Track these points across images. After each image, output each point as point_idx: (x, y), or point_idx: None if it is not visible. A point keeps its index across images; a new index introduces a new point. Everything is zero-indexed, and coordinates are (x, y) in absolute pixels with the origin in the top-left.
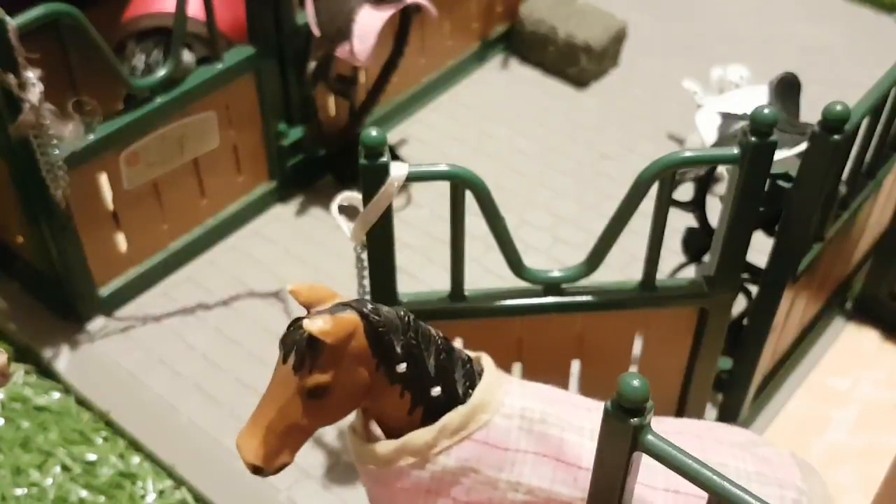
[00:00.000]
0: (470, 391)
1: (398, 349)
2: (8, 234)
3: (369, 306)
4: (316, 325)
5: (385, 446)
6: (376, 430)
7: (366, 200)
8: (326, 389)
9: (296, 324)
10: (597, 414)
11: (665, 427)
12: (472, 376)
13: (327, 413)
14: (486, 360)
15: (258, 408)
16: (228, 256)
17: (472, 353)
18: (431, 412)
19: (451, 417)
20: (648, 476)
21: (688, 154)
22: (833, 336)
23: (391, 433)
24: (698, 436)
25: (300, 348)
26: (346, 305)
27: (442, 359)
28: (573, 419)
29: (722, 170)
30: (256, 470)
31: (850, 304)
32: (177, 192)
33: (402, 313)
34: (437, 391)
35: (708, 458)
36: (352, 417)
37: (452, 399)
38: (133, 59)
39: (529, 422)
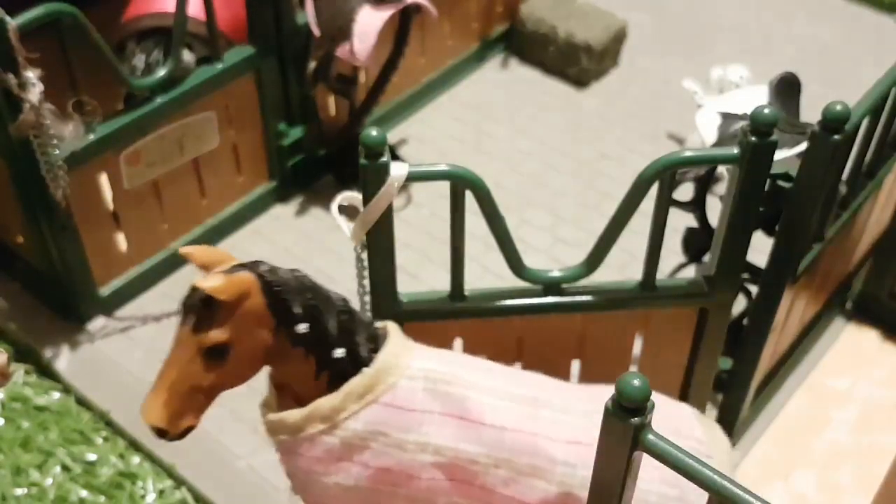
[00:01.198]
0: (374, 355)
1: (297, 309)
2: (8, 234)
3: (264, 267)
4: (209, 283)
5: (293, 414)
6: (289, 405)
7: (366, 200)
8: (225, 348)
9: (193, 284)
10: (503, 375)
11: (574, 393)
12: (376, 339)
13: (229, 374)
14: (393, 326)
15: (160, 371)
16: None
17: (377, 322)
18: (337, 376)
19: (357, 381)
20: (552, 429)
21: (688, 154)
22: (833, 336)
23: (302, 402)
24: (594, 397)
25: (197, 308)
26: (242, 266)
27: (344, 320)
28: (478, 379)
29: (722, 170)
30: (161, 433)
31: (850, 304)
32: (177, 192)
33: (299, 274)
34: (340, 352)
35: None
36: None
37: (357, 361)
38: (133, 59)
39: (434, 382)
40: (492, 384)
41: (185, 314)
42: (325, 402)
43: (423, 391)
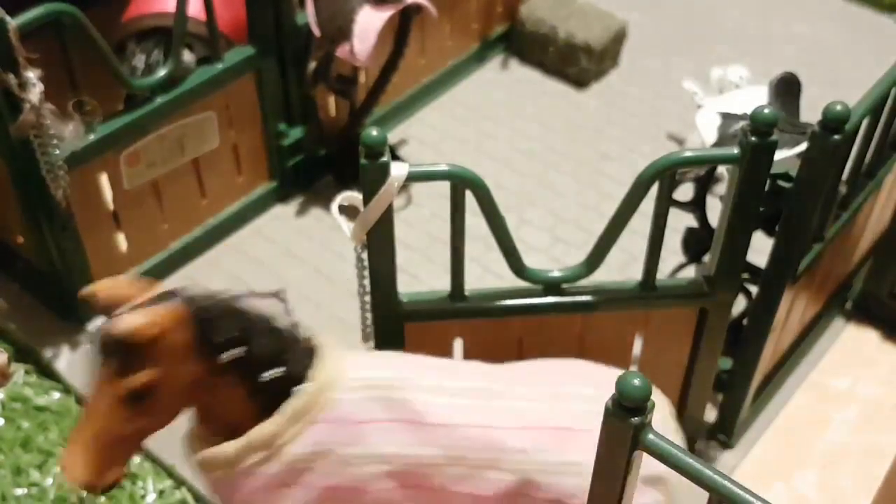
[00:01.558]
0: (308, 371)
1: (226, 335)
2: (8, 234)
3: (184, 294)
4: (123, 323)
5: (229, 447)
6: (218, 437)
7: (366, 200)
8: (148, 390)
9: (104, 327)
10: (446, 371)
11: (523, 376)
12: (310, 354)
13: (155, 416)
14: (325, 338)
15: (78, 424)
16: (228, 256)
17: (305, 333)
18: (271, 399)
19: (295, 402)
20: (503, 418)
21: (688, 154)
22: (833, 336)
23: (235, 433)
24: (546, 372)
25: (113, 352)
26: (157, 298)
27: (273, 339)
28: (421, 379)
29: (722, 170)
30: (87, 488)
31: (850, 304)
32: (177, 193)
33: (221, 297)
34: (271, 374)
35: (558, 391)
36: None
37: (291, 380)
38: (133, 59)
39: (377, 390)
40: (436, 382)
41: (102, 359)
42: (262, 430)
43: (365, 401)
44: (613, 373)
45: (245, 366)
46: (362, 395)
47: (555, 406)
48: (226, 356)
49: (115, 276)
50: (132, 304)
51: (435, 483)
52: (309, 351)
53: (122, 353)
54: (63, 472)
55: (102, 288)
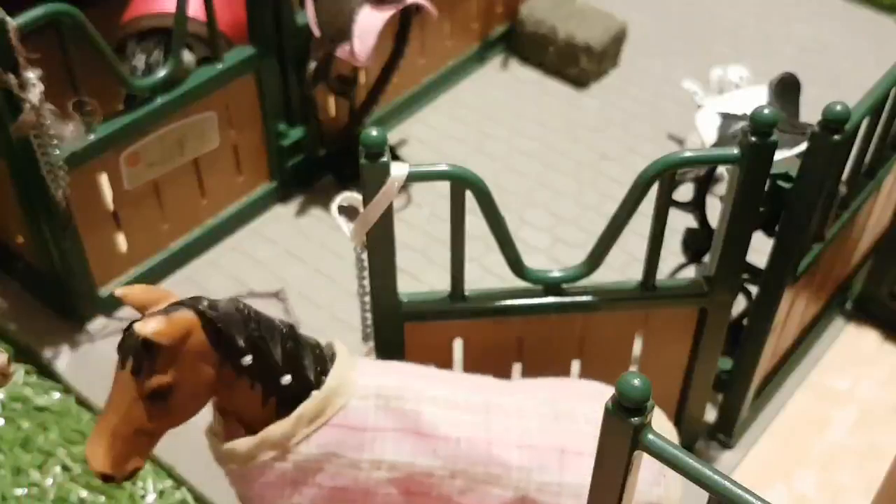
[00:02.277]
0: (323, 377)
1: (240, 342)
2: (8, 234)
3: (205, 302)
4: (149, 327)
5: (244, 443)
6: (237, 430)
7: (366, 200)
8: (168, 390)
9: (130, 328)
10: (453, 384)
11: (527, 393)
12: (324, 361)
13: (174, 413)
14: (339, 345)
15: (102, 414)
16: (228, 256)
17: (322, 341)
18: (285, 401)
19: (307, 406)
20: (505, 435)
21: (688, 154)
22: (833, 336)
23: (250, 429)
24: (546, 390)
25: (136, 352)
26: (180, 304)
27: (288, 347)
28: (428, 390)
29: (722, 170)
30: (106, 477)
31: (850, 304)
32: (177, 193)
33: (241, 306)
34: (287, 379)
35: (557, 409)
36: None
37: (305, 386)
38: (133, 60)
39: (385, 399)
40: (443, 394)
41: (124, 357)
42: (275, 429)
43: (374, 409)
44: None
45: (261, 370)
46: (372, 402)
47: (558, 426)
48: (241, 361)
49: (146, 285)
50: (157, 308)
51: (438, 493)
52: (323, 358)
53: (144, 354)
54: (87, 459)
55: (134, 292)
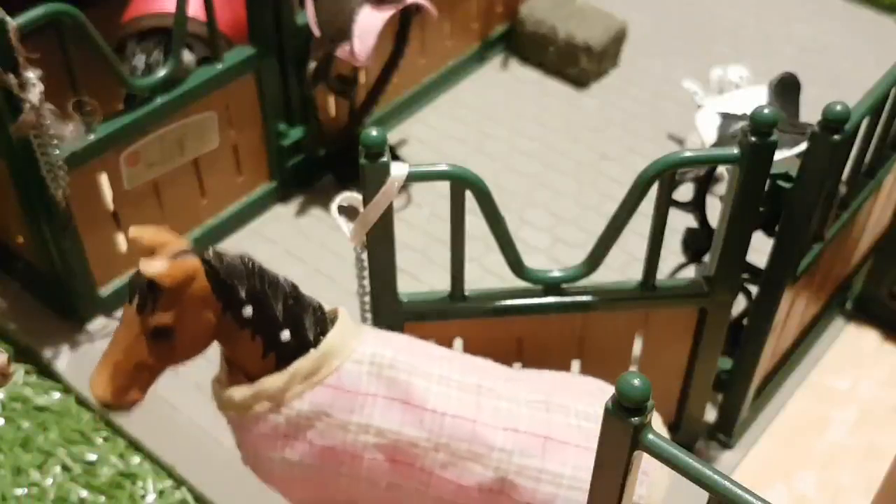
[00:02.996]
0: (321, 337)
1: (242, 294)
2: (8, 234)
3: (211, 252)
4: (152, 268)
5: (241, 392)
6: (241, 380)
7: (366, 200)
8: (170, 330)
9: (138, 268)
10: (451, 363)
11: (522, 383)
12: (324, 324)
13: (174, 353)
14: (342, 311)
15: (108, 346)
16: None
17: (327, 306)
18: (284, 357)
19: (302, 363)
20: (492, 416)
21: (688, 154)
22: (833, 336)
23: (252, 379)
24: (544, 381)
25: (141, 290)
26: (185, 251)
27: (290, 304)
28: (424, 366)
29: (722, 170)
30: (106, 405)
31: (850, 304)
32: (177, 193)
33: (246, 259)
34: (286, 336)
35: (550, 400)
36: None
37: (303, 344)
38: (133, 59)
39: (379, 367)
40: (437, 371)
41: (132, 293)
42: (270, 382)
43: (367, 375)
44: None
45: (261, 324)
46: (366, 368)
47: (546, 415)
48: (242, 313)
49: (158, 227)
50: (168, 252)
51: (421, 464)
52: (324, 320)
53: (148, 293)
54: (90, 387)
55: (147, 233)
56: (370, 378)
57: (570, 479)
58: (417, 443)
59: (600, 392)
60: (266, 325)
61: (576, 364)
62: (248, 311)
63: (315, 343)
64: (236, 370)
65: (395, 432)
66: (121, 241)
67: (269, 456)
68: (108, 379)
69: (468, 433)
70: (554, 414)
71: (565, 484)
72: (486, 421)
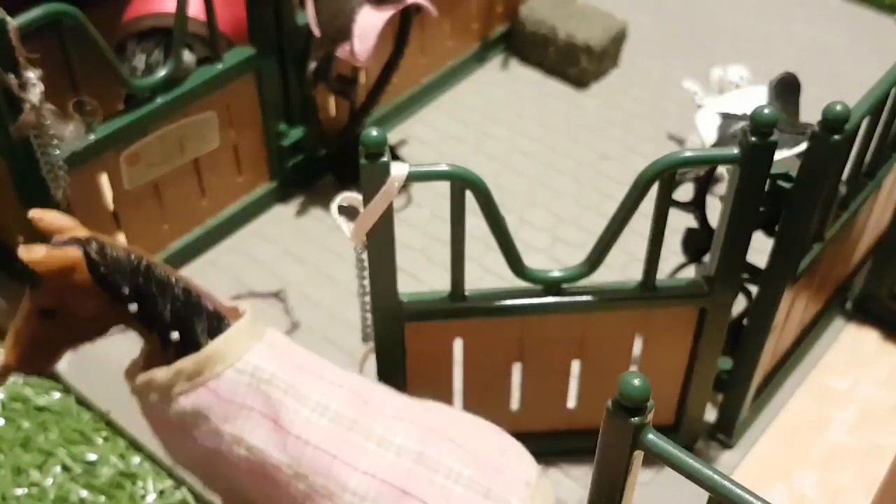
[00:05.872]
0: (210, 341)
1: (124, 289)
2: (8, 234)
3: (94, 245)
4: (28, 254)
5: (138, 377)
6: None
7: (366, 200)
8: (52, 312)
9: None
10: (339, 390)
11: (408, 428)
12: (215, 329)
13: (64, 334)
14: (244, 319)
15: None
16: (229, 257)
17: (231, 307)
18: (177, 354)
19: (185, 362)
20: (354, 456)
21: (688, 154)
22: (833, 336)
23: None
24: (432, 430)
25: (30, 272)
26: (74, 241)
27: (178, 306)
28: (305, 388)
29: (722, 170)
30: (6, 370)
31: (850, 304)
32: (177, 193)
33: (133, 257)
34: (175, 336)
35: (424, 451)
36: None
37: (192, 346)
38: (133, 60)
39: (258, 381)
40: (317, 397)
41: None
42: (158, 375)
43: (246, 386)
44: (521, 468)
45: (150, 321)
46: (247, 380)
47: (411, 467)
48: (129, 308)
49: (60, 213)
50: (58, 238)
51: (286, 491)
52: (217, 326)
53: (34, 275)
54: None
55: (46, 216)
56: (248, 390)
57: None
58: (280, 467)
59: (498, 454)
60: (155, 323)
61: (576, 364)
62: (133, 307)
63: (202, 346)
64: (145, 360)
65: (262, 451)
66: (121, 241)
67: (167, 440)
68: (10, 346)
69: (325, 468)
70: (420, 467)
71: None
72: (346, 459)
